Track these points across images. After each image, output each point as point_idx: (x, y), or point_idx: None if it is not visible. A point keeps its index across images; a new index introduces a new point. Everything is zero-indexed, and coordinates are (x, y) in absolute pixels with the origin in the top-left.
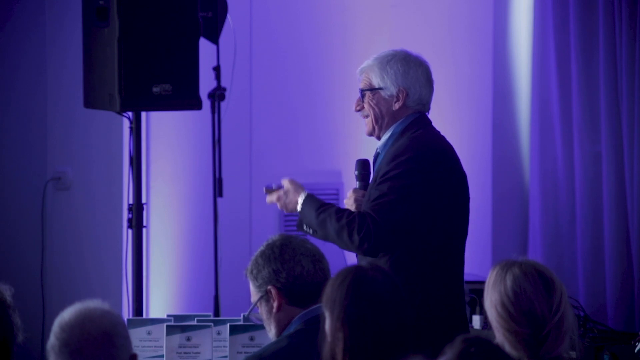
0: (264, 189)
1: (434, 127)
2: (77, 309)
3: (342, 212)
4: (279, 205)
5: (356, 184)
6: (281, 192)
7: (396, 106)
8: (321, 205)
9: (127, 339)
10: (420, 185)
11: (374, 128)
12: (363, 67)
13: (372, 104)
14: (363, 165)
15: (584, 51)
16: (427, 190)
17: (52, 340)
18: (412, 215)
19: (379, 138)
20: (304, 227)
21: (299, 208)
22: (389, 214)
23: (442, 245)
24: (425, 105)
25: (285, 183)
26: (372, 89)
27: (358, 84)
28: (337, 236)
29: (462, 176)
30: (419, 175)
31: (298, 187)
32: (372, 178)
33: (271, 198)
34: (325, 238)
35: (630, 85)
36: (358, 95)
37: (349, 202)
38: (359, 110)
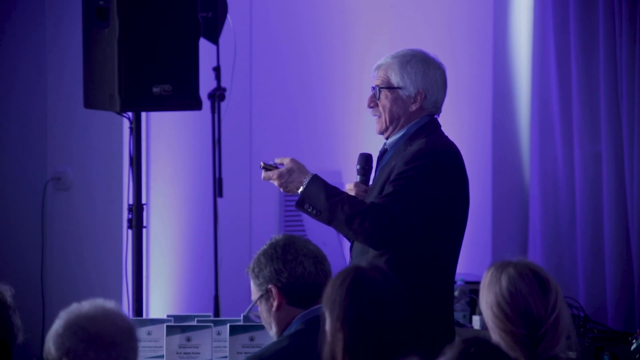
0: (261, 163)
1: (443, 131)
2: (95, 305)
3: (354, 199)
4: (277, 184)
5: (357, 178)
6: (283, 170)
7: (413, 107)
8: (332, 188)
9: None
10: (436, 190)
11: (387, 127)
12: (381, 64)
13: (388, 103)
14: (366, 159)
15: (584, 51)
16: (441, 195)
17: (73, 332)
18: (425, 216)
19: (387, 137)
20: (305, 206)
21: (302, 188)
22: (404, 211)
23: (443, 248)
24: (439, 108)
25: (288, 162)
26: (391, 87)
27: (373, 79)
28: (346, 223)
29: (467, 183)
30: (436, 180)
31: (303, 167)
32: (377, 173)
33: (269, 175)
34: (329, 222)
35: (630, 85)
36: (369, 92)
37: None
38: (371, 107)
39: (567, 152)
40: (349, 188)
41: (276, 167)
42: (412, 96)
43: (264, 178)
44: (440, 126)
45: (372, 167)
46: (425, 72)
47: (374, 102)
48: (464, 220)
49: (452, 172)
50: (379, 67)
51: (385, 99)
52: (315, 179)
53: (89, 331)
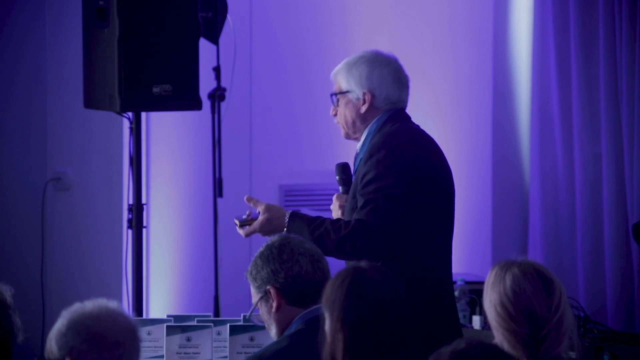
0: (236, 222)
1: (412, 121)
2: (98, 305)
3: (336, 223)
4: (261, 235)
5: (339, 189)
6: (262, 220)
7: (363, 109)
8: (312, 220)
9: None
10: (402, 180)
11: (347, 133)
12: (334, 72)
13: (342, 108)
14: (342, 169)
15: (584, 51)
16: (409, 184)
17: (76, 331)
18: (404, 213)
19: (357, 139)
20: None
21: (285, 230)
22: (384, 218)
23: (429, 240)
24: (397, 103)
25: (263, 212)
26: (341, 92)
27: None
28: (337, 249)
29: (444, 168)
30: (398, 171)
31: (278, 210)
32: (354, 179)
33: (249, 231)
34: (323, 254)
35: (630, 85)
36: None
37: (334, 208)
38: (334, 115)
39: (567, 153)
40: (334, 201)
41: (251, 219)
42: (360, 98)
43: (245, 235)
44: (403, 117)
45: (351, 176)
46: (369, 72)
47: (335, 110)
48: (449, 209)
49: (412, 158)
50: (333, 75)
51: (341, 106)
52: (294, 217)
53: (93, 330)
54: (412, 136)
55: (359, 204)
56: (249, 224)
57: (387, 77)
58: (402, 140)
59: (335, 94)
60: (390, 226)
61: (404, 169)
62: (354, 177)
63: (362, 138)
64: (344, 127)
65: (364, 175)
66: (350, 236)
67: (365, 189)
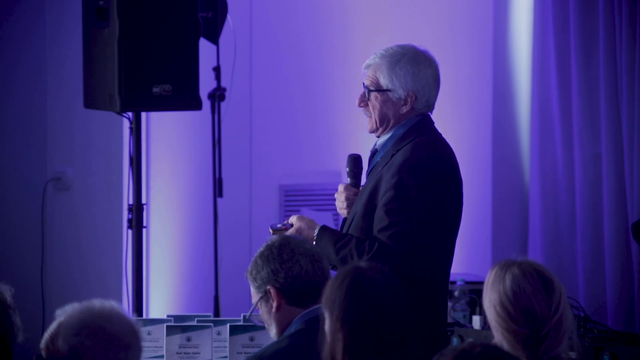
0: (270, 229)
1: (436, 129)
2: (105, 305)
3: (361, 245)
4: None
5: (348, 180)
6: (293, 231)
7: (404, 109)
8: (338, 239)
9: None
10: (428, 201)
11: (377, 128)
12: (370, 64)
13: (378, 105)
14: (355, 162)
15: (584, 51)
16: (433, 204)
17: (91, 331)
18: (424, 234)
19: (378, 136)
20: None
21: (314, 243)
22: (407, 241)
23: (438, 250)
24: (431, 107)
25: (296, 221)
26: (380, 90)
27: (363, 78)
28: None
29: (460, 184)
30: (425, 191)
31: (310, 222)
32: (368, 176)
33: None
34: None
35: (630, 85)
36: (362, 90)
37: (340, 199)
38: (361, 107)
39: (567, 153)
40: (340, 191)
41: (285, 228)
42: (402, 98)
43: None
44: (431, 124)
45: (361, 169)
46: (414, 73)
47: (364, 102)
48: (458, 222)
49: (440, 178)
50: (368, 67)
51: (375, 100)
52: (323, 232)
53: (109, 331)
54: (439, 151)
55: (382, 221)
56: (280, 232)
57: (430, 79)
58: (431, 158)
59: (371, 89)
60: (411, 249)
61: (429, 190)
62: (368, 173)
63: (385, 137)
64: (375, 123)
65: (389, 189)
66: (373, 260)
67: (390, 206)
